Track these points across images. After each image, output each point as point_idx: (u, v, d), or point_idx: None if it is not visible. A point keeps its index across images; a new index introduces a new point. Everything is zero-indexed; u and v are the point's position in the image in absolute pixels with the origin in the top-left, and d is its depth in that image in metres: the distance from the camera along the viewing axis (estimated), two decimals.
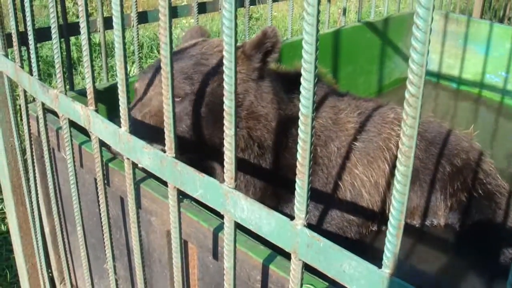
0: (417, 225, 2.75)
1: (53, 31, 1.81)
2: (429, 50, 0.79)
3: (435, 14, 5.01)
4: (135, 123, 2.07)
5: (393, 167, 2.60)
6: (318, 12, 0.90)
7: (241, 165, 2.37)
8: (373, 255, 2.60)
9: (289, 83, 2.49)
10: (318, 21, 0.90)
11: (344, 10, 4.45)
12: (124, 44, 1.45)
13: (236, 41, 1.07)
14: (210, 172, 2.45)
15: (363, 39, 4.46)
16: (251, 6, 3.79)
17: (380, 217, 2.67)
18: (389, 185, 2.61)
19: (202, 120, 2.24)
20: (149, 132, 2.10)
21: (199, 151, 2.32)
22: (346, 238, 2.58)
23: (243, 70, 2.31)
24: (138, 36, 3.19)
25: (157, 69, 2.23)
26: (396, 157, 2.56)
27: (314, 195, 2.46)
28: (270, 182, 2.46)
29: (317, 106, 2.58)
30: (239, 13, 4.12)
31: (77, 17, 9.80)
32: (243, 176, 2.45)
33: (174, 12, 3.38)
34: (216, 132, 2.25)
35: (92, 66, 1.66)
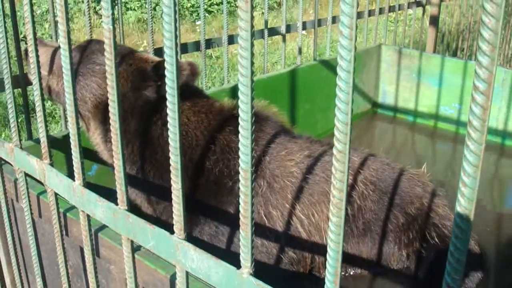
0: (368, 272, 2.74)
1: (6, 85, 1.84)
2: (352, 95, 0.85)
3: (389, 49, 5.17)
4: None
5: None
6: (252, 54, 0.95)
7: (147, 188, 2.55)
8: None
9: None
10: (252, 63, 0.95)
11: (300, 49, 4.56)
12: (75, 100, 1.49)
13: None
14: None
15: (320, 77, 4.55)
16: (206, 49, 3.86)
17: (323, 261, 2.63)
18: None
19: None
20: None
21: None
22: (281, 268, 2.56)
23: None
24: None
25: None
26: None
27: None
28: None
29: (257, 139, 2.61)
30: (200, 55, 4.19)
31: None
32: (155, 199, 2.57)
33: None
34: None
35: (46, 118, 1.69)
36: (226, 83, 3.99)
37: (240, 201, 1.04)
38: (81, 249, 2.07)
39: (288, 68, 4.29)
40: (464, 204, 0.77)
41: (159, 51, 3.50)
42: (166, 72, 1.09)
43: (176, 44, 1.09)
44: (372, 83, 5.25)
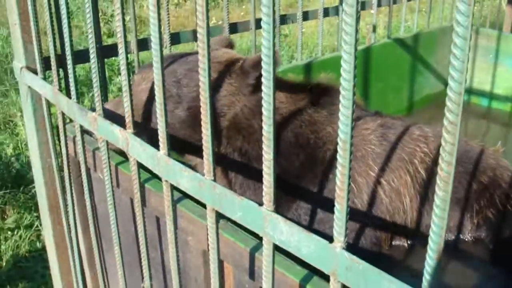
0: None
1: (91, 56, 1.86)
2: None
3: None
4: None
5: (416, 182, 2.59)
6: (357, 31, 0.92)
7: (227, 169, 2.54)
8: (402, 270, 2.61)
9: (294, 92, 2.61)
10: (356, 40, 0.92)
11: (374, 27, 4.46)
12: (163, 68, 1.48)
13: (274, 60, 1.10)
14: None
15: (393, 56, 4.46)
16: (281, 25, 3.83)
17: (403, 228, 2.64)
18: (412, 199, 2.59)
19: (180, 121, 2.42)
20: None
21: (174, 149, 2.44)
22: (361, 246, 2.56)
23: (236, 84, 2.44)
24: None
25: (151, 67, 2.40)
26: (419, 173, 2.58)
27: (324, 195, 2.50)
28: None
29: (332, 112, 2.62)
30: None
31: (108, 36, 10.00)
32: (235, 179, 2.56)
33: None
34: (193, 134, 2.41)
35: (130, 89, 1.70)
36: (299, 60, 3.94)
37: (337, 172, 1.01)
38: (157, 220, 2.09)
39: (361, 46, 4.21)
40: None
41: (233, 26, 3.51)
42: (262, 56, 1.08)
43: (274, 21, 1.06)
44: (446, 64, 5.09)
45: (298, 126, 2.53)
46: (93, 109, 1.99)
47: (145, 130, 2.37)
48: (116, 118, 2.12)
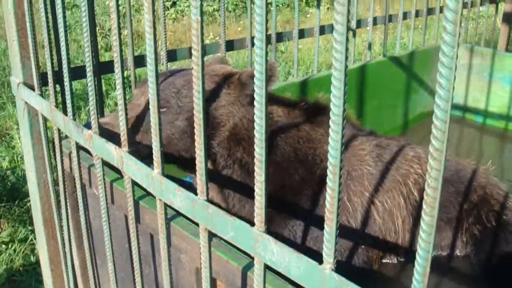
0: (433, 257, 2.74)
1: (88, 74, 1.88)
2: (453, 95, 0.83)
3: (460, 47, 5.04)
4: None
5: (409, 204, 2.63)
6: (347, 49, 0.94)
7: (225, 182, 2.54)
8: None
9: (292, 109, 2.64)
10: (346, 57, 0.94)
11: (370, 45, 4.51)
12: (158, 87, 1.51)
13: (267, 74, 1.12)
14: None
15: (389, 74, 4.50)
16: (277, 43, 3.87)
17: (393, 248, 2.68)
18: (404, 220, 2.63)
19: (180, 132, 2.42)
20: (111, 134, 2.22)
21: (172, 161, 2.47)
22: (353, 264, 2.58)
23: (234, 94, 2.46)
24: None
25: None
26: (412, 194, 2.61)
27: (321, 212, 2.50)
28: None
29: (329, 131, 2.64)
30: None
31: (105, 50, 10.03)
32: (233, 193, 2.58)
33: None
34: (192, 146, 2.41)
35: (126, 107, 1.72)
36: (295, 77, 3.97)
37: (327, 195, 1.03)
38: (151, 237, 2.10)
39: (357, 63, 4.25)
40: None
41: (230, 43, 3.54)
42: (255, 72, 1.09)
43: (266, 36, 1.08)
44: None
45: (296, 141, 2.56)
46: (89, 125, 2.01)
47: (146, 143, 2.39)
48: (112, 134, 2.14)
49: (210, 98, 2.42)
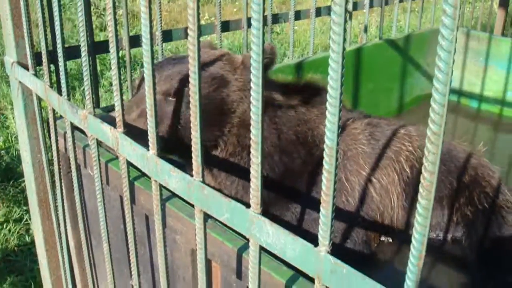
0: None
1: (82, 54, 1.86)
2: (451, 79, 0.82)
3: None
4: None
5: (402, 180, 2.65)
6: (345, 30, 0.94)
7: (233, 168, 2.50)
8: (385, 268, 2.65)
9: (287, 91, 2.62)
10: (344, 39, 0.94)
11: (366, 27, 4.49)
12: (153, 65, 1.50)
13: (263, 56, 1.11)
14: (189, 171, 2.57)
15: (384, 57, 4.48)
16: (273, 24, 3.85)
17: (390, 224, 2.70)
18: (398, 196, 2.65)
19: (189, 120, 2.35)
20: (137, 132, 2.13)
21: (181, 150, 2.40)
22: (353, 244, 2.60)
23: (241, 79, 2.43)
24: (163, 53, 3.26)
25: (158, 69, 2.36)
26: (405, 170, 2.63)
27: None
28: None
29: (322, 111, 2.65)
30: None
31: (100, 30, 9.96)
32: (238, 180, 2.54)
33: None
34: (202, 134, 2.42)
35: (121, 87, 1.71)
36: (291, 58, 3.96)
37: (323, 178, 1.03)
38: (146, 218, 2.10)
39: (353, 46, 4.23)
40: None
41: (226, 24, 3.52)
42: (251, 52, 1.08)
43: (263, 17, 1.07)
44: None
45: (296, 124, 2.56)
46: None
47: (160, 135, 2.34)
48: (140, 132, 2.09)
49: (221, 84, 2.39)
